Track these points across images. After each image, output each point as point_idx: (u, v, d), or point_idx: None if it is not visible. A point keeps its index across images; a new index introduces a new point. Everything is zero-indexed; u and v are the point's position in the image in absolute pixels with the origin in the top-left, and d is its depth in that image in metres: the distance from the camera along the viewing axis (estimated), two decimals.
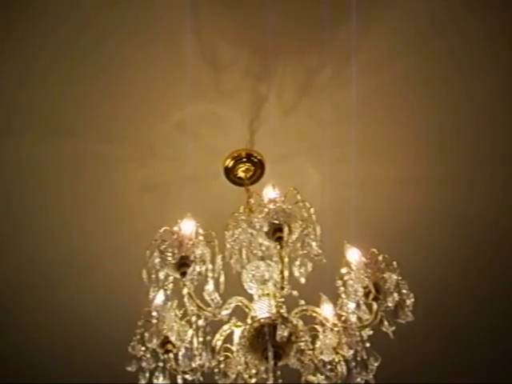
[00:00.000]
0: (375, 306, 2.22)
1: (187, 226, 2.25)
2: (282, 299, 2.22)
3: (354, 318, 2.24)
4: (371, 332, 2.27)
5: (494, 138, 2.99)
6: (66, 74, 2.65)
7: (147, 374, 2.28)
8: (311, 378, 2.25)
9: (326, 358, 2.24)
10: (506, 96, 2.86)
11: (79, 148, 2.88)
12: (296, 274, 2.19)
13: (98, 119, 2.81)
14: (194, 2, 2.48)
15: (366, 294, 2.21)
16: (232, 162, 2.90)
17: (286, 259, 2.23)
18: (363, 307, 2.22)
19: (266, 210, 2.24)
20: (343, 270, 2.26)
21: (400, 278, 2.26)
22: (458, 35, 2.65)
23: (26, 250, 3.23)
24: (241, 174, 2.91)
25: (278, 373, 2.15)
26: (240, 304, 2.32)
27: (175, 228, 2.25)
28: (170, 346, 2.25)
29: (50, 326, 3.58)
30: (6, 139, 2.82)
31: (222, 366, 2.31)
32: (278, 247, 2.21)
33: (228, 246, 2.32)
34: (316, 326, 2.29)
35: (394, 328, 2.22)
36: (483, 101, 2.86)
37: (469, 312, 3.71)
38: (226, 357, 2.33)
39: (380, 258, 2.28)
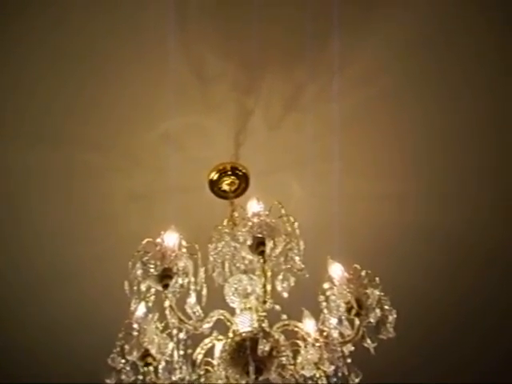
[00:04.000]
0: (357, 322, 2.21)
1: (170, 238, 2.24)
2: (264, 313, 2.21)
3: (335, 334, 2.24)
4: (353, 348, 2.26)
5: (482, 155, 3.00)
6: (53, 83, 2.64)
7: None
8: None
9: (308, 374, 2.24)
10: (495, 112, 2.87)
11: (66, 156, 2.87)
12: (279, 288, 2.18)
13: (85, 128, 2.80)
14: (183, 13, 2.48)
15: (348, 310, 2.21)
16: (217, 175, 2.90)
17: (269, 273, 2.23)
18: (345, 323, 2.22)
19: (250, 223, 2.23)
20: (326, 285, 2.26)
21: (382, 293, 2.26)
22: (447, 50, 2.66)
23: (11, 255, 3.21)
24: (225, 187, 2.90)
25: None
26: (222, 317, 2.30)
27: (158, 240, 2.23)
28: (150, 359, 2.24)
29: (32, 331, 3.56)
30: None
31: (202, 379, 2.29)
32: (261, 261, 2.20)
33: (211, 258, 2.31)
34: (298, 341, 2.29)
35: (375, 344, 2.21)
36: (471, 117, 2.87)
37: (452, 329, 3.72)
38: (207, 371, 2.32)
39: (363, 273, 2.27)
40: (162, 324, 2.28)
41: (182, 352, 2.21)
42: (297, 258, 2.22)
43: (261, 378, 2.15)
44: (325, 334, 2.27)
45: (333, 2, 2.47)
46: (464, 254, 3.34)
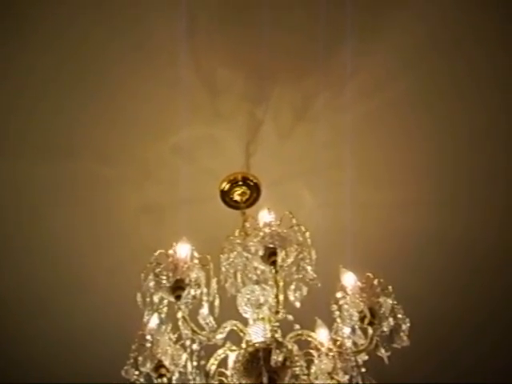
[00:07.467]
0: (370, 331, 2.20)
1: (182, 250, 2.24)
2: (277, 323, 2.20)
3: (349, 343, 2.23)
4: (366, 357, 2.25)
5: (493, 163, 2.99)
6: (60, 93, 2.64)
7: None
8: None
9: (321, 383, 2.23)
10: (506, 118, 2.86)
11: (75, 168, 2.87)
12: (291, 298, 2.18)
13: (94, 139, 2.80)
14: (192, 24, 2.48)
15: (362, 319, 2.20)
16: (228, 185, 2.90)
17: (281, 283, 2.22)
18: (358, 332, 2.21)
19: (262, 233, 2.23)
20: (338, 295, 2.25)
21: (395, 302, 2.25)
22: (458, 57, 2.65)
23: (21, 267, 3.21)
24: (237, 197, 2.90)
25: None
26: (235, 328, 2.30)
27: (170, 251, 2.23)
28: (163, 370, 2.22)
29: (44, 343, 3.56)
30: (1, 159, 2.81)
31: None
32: (273, 271, 2.20)
33: (223, 269, 2.30)
34: (311, 351, 2.28)
35: (389, 353, 2.20)
36: (483, 124, 2.87)
37: (465, 336, 3.69)
38: (220, 381, 2.30)
39: (375, 282, 2.27)
40: (175, 335, 2.27)
41: (195, 363, 2.20)
42: (309, 268, 2.22)
43: None
44: (338, 343, 2.25)
45: (344, 9, 2.47)
46: (477, 261, 3.32)
